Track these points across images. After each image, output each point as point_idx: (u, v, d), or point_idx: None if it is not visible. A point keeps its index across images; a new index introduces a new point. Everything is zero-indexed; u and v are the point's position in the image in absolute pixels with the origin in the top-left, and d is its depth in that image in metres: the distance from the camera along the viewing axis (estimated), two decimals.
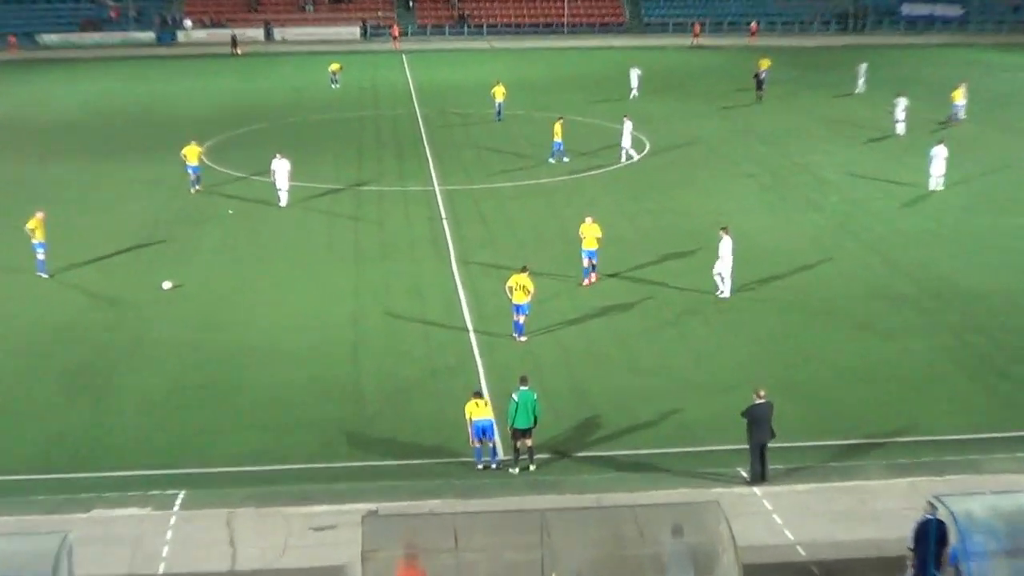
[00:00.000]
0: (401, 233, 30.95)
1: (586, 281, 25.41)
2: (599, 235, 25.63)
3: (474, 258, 28.39)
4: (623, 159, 39.31)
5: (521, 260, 25.15)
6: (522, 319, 22.31)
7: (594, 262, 25.47)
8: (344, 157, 40.72)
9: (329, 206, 34.02)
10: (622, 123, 39.42)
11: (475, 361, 21.40)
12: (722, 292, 24.60)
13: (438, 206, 33.59)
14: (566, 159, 39.43)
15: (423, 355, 21.90)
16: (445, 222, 31.74)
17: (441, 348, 22.21)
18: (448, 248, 29.42)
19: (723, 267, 24.57)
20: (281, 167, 33.64)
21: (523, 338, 22.42)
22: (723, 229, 24.87)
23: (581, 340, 22.67)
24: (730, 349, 21.89)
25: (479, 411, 16.59)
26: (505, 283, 22.83)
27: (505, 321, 23.08)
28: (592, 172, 38.00)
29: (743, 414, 16.19)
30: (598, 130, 44.61)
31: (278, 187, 33.87)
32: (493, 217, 32.56)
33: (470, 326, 23.43)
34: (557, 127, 39.06)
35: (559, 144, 38.90)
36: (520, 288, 22.01)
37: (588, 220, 25.91)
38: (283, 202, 33.96)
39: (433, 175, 37.75)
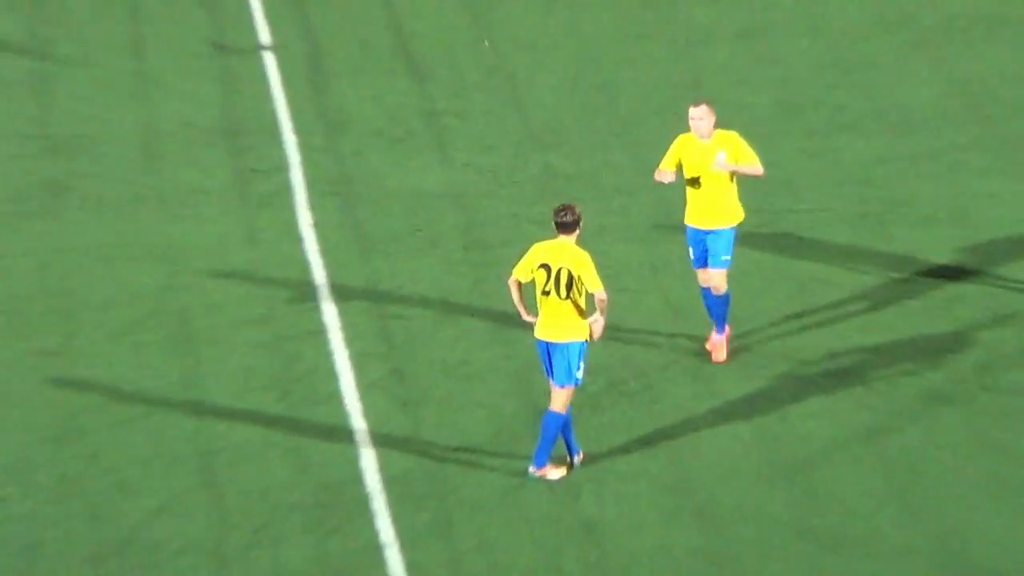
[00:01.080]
0: (130, 109, 30.72)
1: (713, 343, 24.00)
2: (755, 164, 23.39)
3: (365, 197, 27.58)
4: None
5: (552, 196, 25.08)
6: (565, 395, 20.10)
7: (723, 266, 23.93)
8: None
9: None
10: None
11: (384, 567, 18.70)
12: None
13: (250, 16, 34.24)
14: None
15: (193, 542, 18.51)
16: (267, 54, 32.27)
17: (249, 523, 18.69)
18: (284, 155, 28.60)
19: None
20: None
21: (557, 471, 19.92)
22: None
23: (769, 489, 19.67)
24: None
25: None
26: (507, 274, 21.11)
27: (488, 410, 21.71)
28: None
29: None
30: None
31: None
32: (447, 49, 32.86)
33: (358, 426, 21.23)
34: None
35: None
36: (559, 287, 19.87)
37: (700, 113, 23.66)
38: None
39: None
